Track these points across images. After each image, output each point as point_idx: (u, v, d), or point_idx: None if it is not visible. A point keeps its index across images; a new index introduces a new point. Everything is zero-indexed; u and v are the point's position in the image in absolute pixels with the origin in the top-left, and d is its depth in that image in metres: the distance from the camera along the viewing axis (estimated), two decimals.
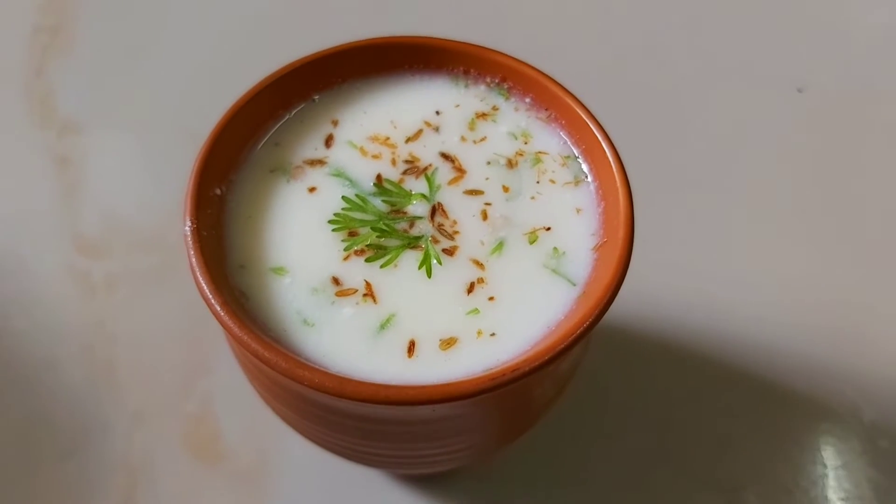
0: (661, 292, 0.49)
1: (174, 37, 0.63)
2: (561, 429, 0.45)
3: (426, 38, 0.35)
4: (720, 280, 0.50)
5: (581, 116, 0.33)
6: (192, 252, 0.29)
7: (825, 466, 0.45)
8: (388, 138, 0.35)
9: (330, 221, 0.32)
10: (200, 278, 0.28)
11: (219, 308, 0.27)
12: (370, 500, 0.43)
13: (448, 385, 0.26)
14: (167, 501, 0.43)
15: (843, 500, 0.44)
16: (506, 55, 0.35)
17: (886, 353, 0.49)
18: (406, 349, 0.29)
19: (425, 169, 0.34)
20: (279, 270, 0.31)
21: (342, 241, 0.32)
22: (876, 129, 0.59)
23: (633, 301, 0.48)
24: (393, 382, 0.27)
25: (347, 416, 0.29)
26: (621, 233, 0.30)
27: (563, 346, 0.27)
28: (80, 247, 0.52)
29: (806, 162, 0.57)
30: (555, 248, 0.32)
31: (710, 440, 0.46)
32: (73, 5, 0.64)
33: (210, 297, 0.28)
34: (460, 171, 0.34)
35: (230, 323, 0.27)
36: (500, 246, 0.32)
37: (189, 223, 0.29)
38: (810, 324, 0.50)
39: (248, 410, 0.46)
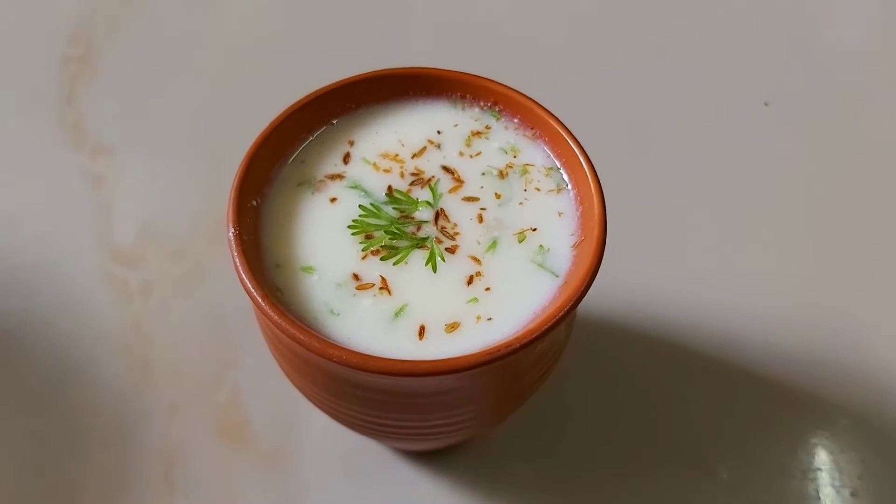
0: (635, 288, 0.54)
1: (194, 65, 0.68)
2: (550, 411, 0.50)
3: (428, 68, 0.41)
4: (689, 278, 0.56)
5: (561, 134, 0.38)
6: (236, 254, 0.34)
7: (807, 456, 0.49)
8: (396, 155, 0.40)
9: (349, 227, 0.37)
10: (244, 275, 0.33)
11: (261, 300, 0.33)
12: (381, 474, 0.48)
13: (453, 359, 0.32)
14: (202, 482, 0.48)
15: (834, 486, 0.48)
16: (497, 82, 0.41)
17: (862, 344, 0.53)
18: (417, 333, 0.35)
19: (429, 180, 0.39)
20: (308, 269, 0.36)
21: (360, 243, 0.37)
22: (838, 141, 0.65)
23: (612, 296, 0.54)
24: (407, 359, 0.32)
25: (368, 390, 0.34)
26: (596, 232, 0.35)
27: (547, 326, 0.33)
28: (116, 257, 0.57)
29: (771, 170, 0.63)
30: (540, 246, 0.37)
31: (687, 419, 0.51)
32: (98, 36, 0.69)
33: (253, 291, 0.33)
34: (459, 181, 0.39)
35: (271, 312, 0.32)
36: (494, 244, 0.37)
37: (232, 229, 0.35)
38: (782, 316, 0.54)
39: (272, 399, 0.51)
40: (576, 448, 0.49)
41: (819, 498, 0.48)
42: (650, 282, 0.55)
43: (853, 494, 0.48)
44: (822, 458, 0.49)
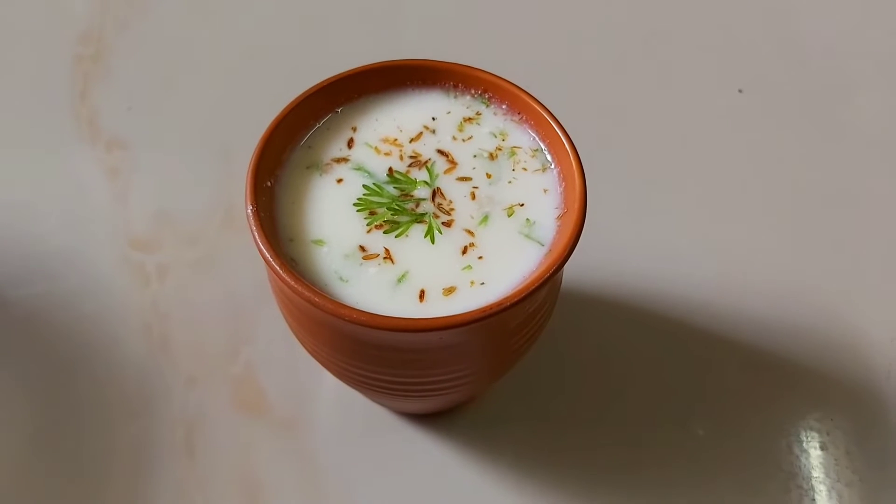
0: (618, 261, 0.58)
1: (201, 61, 0.71)
2: (539, 376, 0.54)
3: (424, 60, 0.45)
4: (669, 252, 0.59)
5: (545, 118, 0.42)
6: (255, 227, 0.38)
7: (783, 416, 0.53)
8: (395, 139, 0.44)
9: (354, 204, 0.41)
10: (262, 247, 0.37)
11: (279, 268, 0.37)
12: (388, 435, 0.51)
13: (451, 317, 0.35)
14: (221, 448, 0.51)
15: (805, 441, 0.52)
16: (486, 72, 0.44)
17: (834, 314, 0.57)
18: (418, 296, 0.39)
19: (426, 162, 0.43)
20: (319, 242, 0.40)
21: (364, 218, 0.41)
22: (811, 127, 0.68)
23: (596, 269, 0.58)
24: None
25: (374, 347, 0.38)
26: (577, 205, 0.39)
27: (534, 286, 0.36)
28: (133, 243, 0.60)
29: (745, 153, 0.67)
30: (527, 219, 0.41)
31: (666, 383, 0.55)
32: (107, 35, 0.72)
33: (272, 260, 0.37)
34: (453, 163, 0.43)
35: (288, 278, 0.36)
36: (485, 219, 0.41)
37: (251, 206, 0.39)
38: (759, 288, 0.58)
39: (284, 371, 0.54)
40: (563, 410, 0.53)
41: (791, 451, 0.52)
42: (632, 255, 0.59)
43: (822, 448, 0.52)
44: (793, 417, 0.53)
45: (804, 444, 0.52)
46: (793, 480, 0.51)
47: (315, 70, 0.46)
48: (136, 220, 0.62)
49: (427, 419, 0.52)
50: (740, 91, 0.71)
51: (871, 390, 0.54)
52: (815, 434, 0.53)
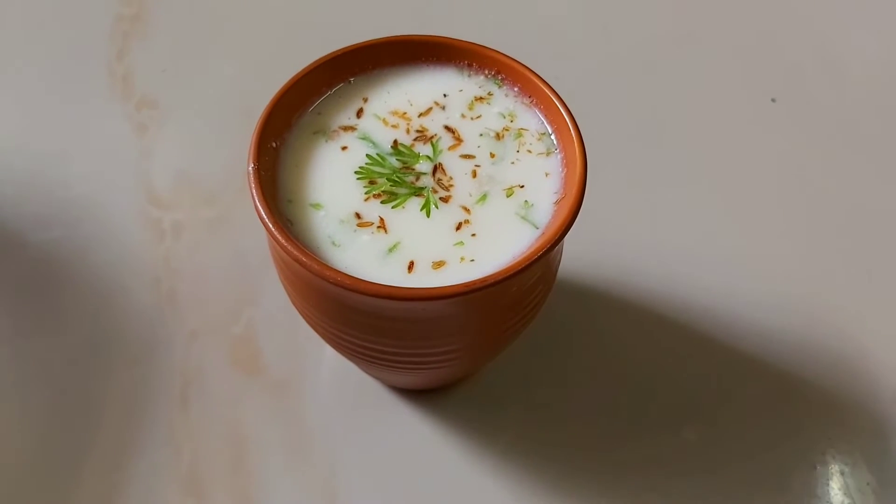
0: (624, 257, 0.58)
1: (235, 28, 0.73)
2: (533, 363, 0.54)
3: (440, 37, 0.45)
4: (677, 252, 0.59)
5: (554, 102, 0.42)
6: (253, 185, 0.39)
7: (774, 422, 0.52)
8: (405, 113, 0.44)
9: (356, 172, 0.41)
10: (258, 204, 0.38)
11: (272, 226, 0.37)
12: (377, 407, 0.52)
13: (433, 288, 0.36)
14: (214, 402, 0.52)
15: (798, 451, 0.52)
16: (501, 53, 0.45)
17: (838, 329, 0.56)
18: (407, 267, 0.39)
19: (431, 137, 0.43)
20: (317, 206, 0.41)
21: (364, 187, 0.41)
22: (840, 142, 0.67)
23: (601, 264, 0.58)
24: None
25: (358, 312, 0.38)
26: (574, 190, 0.39)
27: (521, 267, 0.36)
28: (152, 199, 0.62)
29: (769, 162, 0.66)
30: (525, 201, 0.41)
31: (664, 384, 0.54)
32: None
33: (265, 217, 0.37)
34: (458, 140, 0.43)
35: (279, 236, 0.37)
36: (484, 197, 0.41)
37: (252, 164, 0.39)
38: (762, 297, 0.57)
39: (284, 335, 0.55)
40: (556, 401, 0.53)
41: (783, 467, 0.51)
42: (643, 253, 0.58)
43: (816, 467, 0.51)
44: (788, 432, 0.52)
45: (798, 461, 0.51)
46: (782, 497, 0.50)
47: (348, 41, 0.46)
48: (157, 177, 0.63)
49: (419, 395, 0.53)
50: (773, 100, 0.69)
51: (873, 413, 0.53)
52: (810, 452, 0.52)
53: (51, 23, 0.73)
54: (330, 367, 0.54)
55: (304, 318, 0.44)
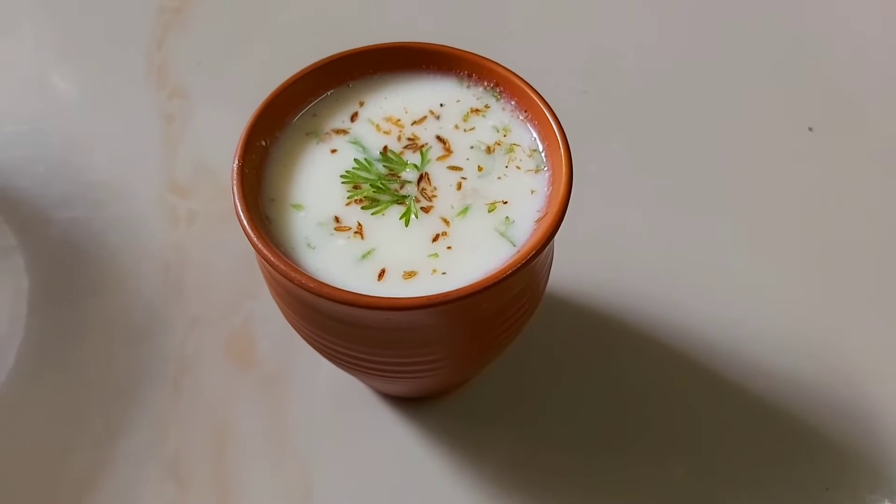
0: (632, 283, 0.57)
1: (273, 27, 0.75)
2: (526, 383, 0.53)
3: (441, 45, 0.45)
4: (684, 282, 0.57)
5: (547, 117, 0.41)
6: (235, 182, 0.39)
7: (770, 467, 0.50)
8: (399, 120, 0.44)
9: (342, 176, 0.41)
10: (237, 200, 0.38)
11: (246, 224, 0.38)
12: (362, 410, 0.52)
13: (395, 299, 0.36)
14: (205, 390, 0.53)
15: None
16: (501, 66, 0.44)
17: (842, 372, 0.54)
18: (378, 275, 0.39)
19: (422, 146, 0.43)
20: (297, 206, 0.41)
21: (347, 191, 0.41)
22: (877, 167, 0.64)
23: (610, 288, 0.57)
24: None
25: (326, 316, 0.38)
26: (556, 209, 0.38)
27: (487, 284, 0.36)
28: (171, 187, 0.64)
29: (805, 193, 0.63)
30: (507, 217, 0.40)
31: (656, 414, 0.53)
32: None
33: (241, 215, 0.38)
34: (448, 151, 0.43)
35: (250, 232, 0.37)
36: (465, 210, 0.41)
37: (237, 161, 0.40)
38: (766, 330, 0.55)
39: (279, 331, 0.56)
40: (541, 423, 0.52)
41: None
42: (650, 279, 0.57)
43: None
44: (785, 477, 0.50)
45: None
46: None
47: (372, 41, 0.46)
48: (179, 166, 0.65)
49: (406, 403, 0.53)
50: (811, 129, 0.67)
51: (873, 464, 0.50)
52: (805, 497, 0.49)
53: (97, 8, 0.76)
54: (321, 367, 0.55)
55: (283, 314, 0.44)
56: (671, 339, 0.55)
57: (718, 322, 0.56)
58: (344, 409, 0.53)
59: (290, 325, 0.54)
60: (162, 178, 0.64)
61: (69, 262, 0.59)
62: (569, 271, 0.54)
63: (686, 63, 0.71)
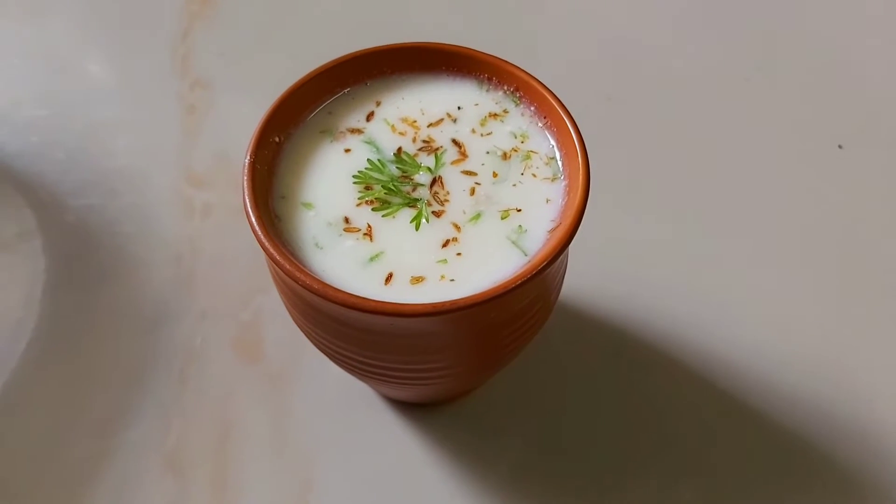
0: (649, 296, 0.56)
1: (298, 21, 0.74)
2: (534, 383, 0.52)
3: (461, 47, 0.44)
4: (700, 297, 0.56)
5: (567, 126, 0.41)
6: (246, 178, 0.39)
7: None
8: (415, 121, 0.43)
9: (354, 176, 0.41)
10: (246, 196, 0.38)
11: (254, 221, 0.37)
12: (366, 413, 0.51)
13: (400, 304, 0.35)
14: (210, 382, 0.53)
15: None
16: (522, 70, 0.43)
17: (853, 395, 0.53)
18: (385, 279, 0.38)
19: (437, 149, 0.42)
20: (308, 205, 0.40)
21: (359, 192, 0.40)
22: None
23: (622, 297, 0.55)
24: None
25: (330, 318, 0.38)
26: (570, 221, 0.37)
27: (494, 294, 0.35)
28: (189, 178, 0.64)
29: (827, 213, 0.61)
30: (519, 226, 0.39)
31: (664, 432, 0.52)
32: None
33: (250, 212, 0.37)
34: (464, 155, 0.42)
35: (258, 229, 0.37)
36: (477, 216, 0.40)
37: (249, 157, 0.39)
38: (783, 356, 0.54)
39: (286, 329, 0.55)
40: (549, 435, 0.51)
41: None
42: (662, 293, 0.56)
43: None
44: (790, 487, 0.49)
45: None
46: None
47: (408, 38, 0.46)
48: (197, 157, 0.65)
49: (410, 407, 0.52)
50: (840, 147, 0.65)
51: (881, 488, 0.49)
52: None
53: None
54: (328, 367, 0.54)
55: (289, 314, 0.44)
56: (684, 355, 0.54)
57: (733, 339, 0.54)
58: (349, 410, 0.53)
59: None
60: (180, 169, 0.64)
61: (83, 249, 0.59)
62: (583, 281, 0.53)
63: (713, 74, 0.70)
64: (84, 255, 0.59)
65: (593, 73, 0.69)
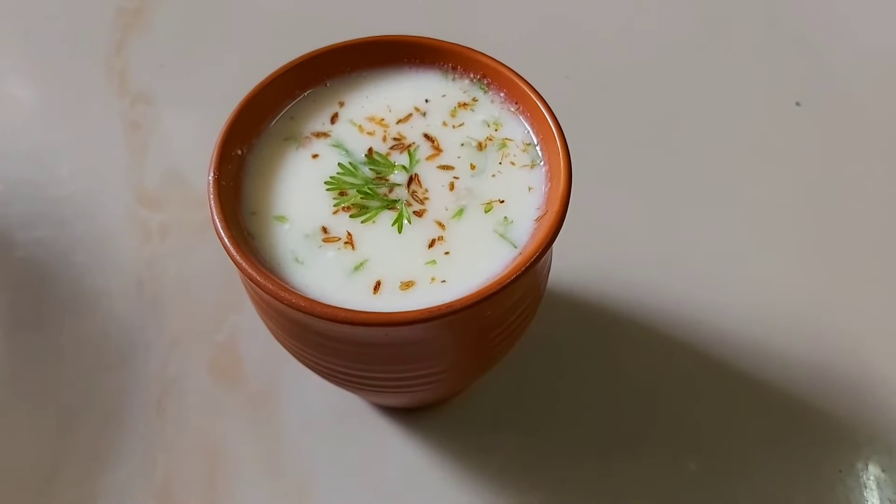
0: (631, 276, 0.55)
1: (237, 25, 0.71)
2: (522, 384, 0.51)
3: (423, 37, 0.42)
4: (675, 267, 0.56)
5: (541, 109, 0.39)
6: (212, 197, 0.36)
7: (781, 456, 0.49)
8: (382, 119, 0.42)
9: (326, 182, 0.39)
10: (215, 216, 0.36)
11: (226, 240, 0.35)
12: (357, 425, 0.50)
13: (396, 313, 0.33)
14: (191, 412, 0.51)
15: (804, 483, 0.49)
16: (488, 56, 0.41)
17: (848, 351, 0.53)
18: (373, 287, 0.36)
19: (409, 146, 0.41)
20: (281, 218, 0.38)
21: (333, 199, 0.39)
22: (864, 141, 0.63)
23: (604, 279, 0.55)
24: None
25: (319, 335, 0.36)
26: (556, 206, 0.36)
27: (491, 292, 0.34)
28: (141, 199, 0.60)
29: (795, 171, 0.62)
30: (505, 217, 0.38)
31: (664, 409, 0.51)
32: None
33: (221, 232, 0.35)
34: (438, 149, 0.40)
35: (233, 251, 0.34)
36: (460, 212, 0.38)
37: (212, 174, 0.37)
38: (764, 314, 0.54)
39: (267, 346, 0.53)
40: (543, 427, 0.50)
41: (786, 501, 0.47)
42: (649, 271, 0.55)
43: (822, 499, 0.48)
44: (795, 462, 0.49)
45: (806, 490, 0.48)
46: None
47: (348, 36, 0.43)
48: (148, 176, 0.62)
49: (402, 413, 0.50)
50: (798, 104, 0.65)
51: (885, 446, 0.49)
52: (815, 483, 0.48)
53: (51, 13, 0.72)
54: (312, 380, 0.52)
55: (271, 333, 0.41)
56: (674, 331, 0.54)
57: (722, 310, 0.54)
58: (339, 423, 0.51)
59: (274, 338, 0.52)
60: (130, 191, 0.61)
61: (36, 286, 0.56)
62: (566, 267, 0.52)
63: (669, 45, 0.69)
64: (39, 292, 0.56)
65: (546, 54, 0.68)
